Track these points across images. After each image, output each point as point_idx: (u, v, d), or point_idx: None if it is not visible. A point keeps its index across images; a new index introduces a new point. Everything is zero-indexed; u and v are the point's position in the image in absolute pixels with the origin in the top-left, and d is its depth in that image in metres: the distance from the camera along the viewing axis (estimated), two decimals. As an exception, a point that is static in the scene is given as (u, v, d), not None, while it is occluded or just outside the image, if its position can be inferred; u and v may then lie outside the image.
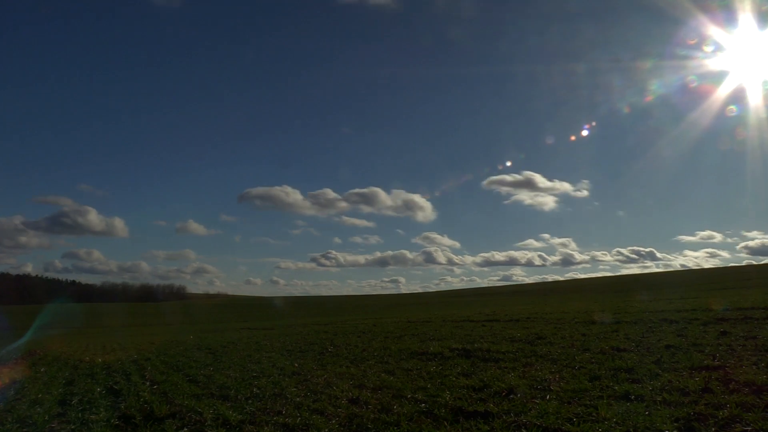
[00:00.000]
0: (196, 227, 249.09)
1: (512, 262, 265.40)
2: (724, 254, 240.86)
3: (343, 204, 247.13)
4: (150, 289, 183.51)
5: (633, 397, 6.75)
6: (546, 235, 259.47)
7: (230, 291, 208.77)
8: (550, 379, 8.24)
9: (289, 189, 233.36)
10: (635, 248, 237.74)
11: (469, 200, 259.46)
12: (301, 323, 31.36)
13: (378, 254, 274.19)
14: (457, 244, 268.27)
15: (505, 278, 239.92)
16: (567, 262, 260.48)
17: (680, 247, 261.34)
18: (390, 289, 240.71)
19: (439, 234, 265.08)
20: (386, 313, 42.40)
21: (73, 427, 7.41)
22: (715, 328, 12.24)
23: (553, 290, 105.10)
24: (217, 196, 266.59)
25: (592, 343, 11.51)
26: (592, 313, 19.72)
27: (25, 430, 7.50)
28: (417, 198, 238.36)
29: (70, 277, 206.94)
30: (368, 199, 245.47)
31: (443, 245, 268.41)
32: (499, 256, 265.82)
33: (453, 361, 10.75)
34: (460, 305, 59.30)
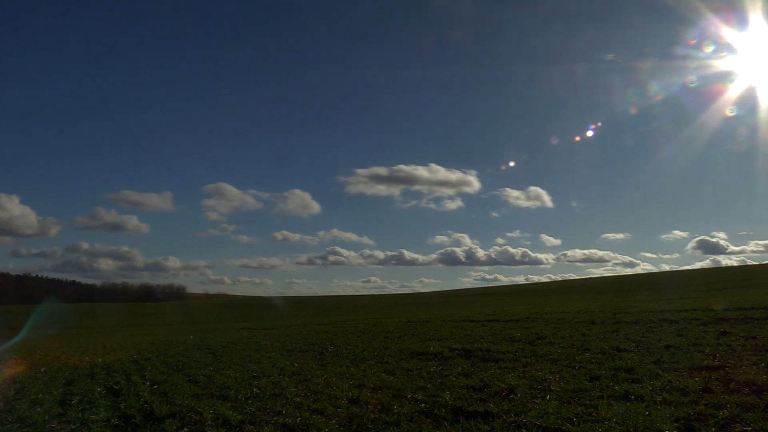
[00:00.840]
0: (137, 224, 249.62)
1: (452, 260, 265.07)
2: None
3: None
4: (150, 289, 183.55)
5: (633, 397, 6.75)
6: (450, 231, 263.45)
7: (228, 291, 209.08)
8: (550, 379, 8.24)
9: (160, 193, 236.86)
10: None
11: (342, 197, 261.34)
12: (301, 323, 31.36)
13: (313, 253, 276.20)
14: (370, 241, 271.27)
15: (480, 279, 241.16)
16: (513, 260, 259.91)
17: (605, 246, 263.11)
18: (372, 290, 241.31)
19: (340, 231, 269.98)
20: (386, 313, 42.40)
21: (73, 427, 7.40)
22: (715, 328, 12.24)
23: (553, 290, 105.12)
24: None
25: (592, 343, 11.51)
26: (592, 313, 19.72)
27: (25, 430, 7.50)
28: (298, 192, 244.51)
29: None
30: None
31: (357, 243, 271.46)
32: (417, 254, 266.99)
33: (453, 361, 10.75)
34: (460, 305, 59.30)
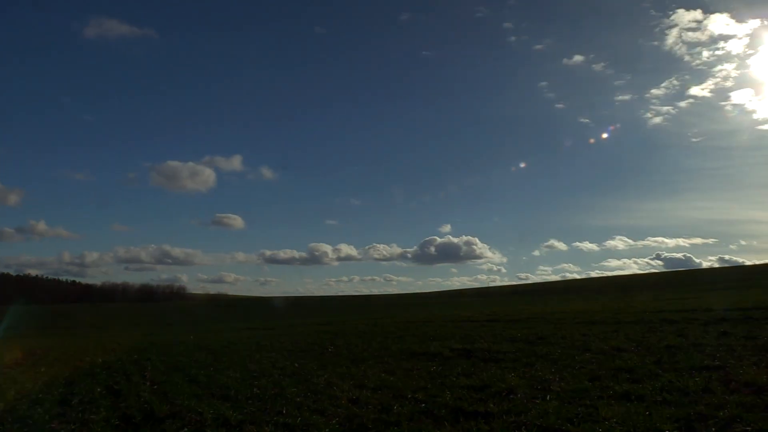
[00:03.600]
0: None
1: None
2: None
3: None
4: (150, 289, 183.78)
5: (633, 397, 6.75)
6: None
7: (228, 291, 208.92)
8: (550, 379, 8.24)
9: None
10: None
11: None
12: (301, 323, 31.36)
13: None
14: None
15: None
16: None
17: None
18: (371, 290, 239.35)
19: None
20: (386, 313, 42.37)
21: (73, 427, 7.40)
22: (716, 328, 12.24)
23: (553, 290, 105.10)
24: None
25: (592, 343, 11.51)
26: (593, 313, 19.72)
27: (25, 430, 7.50)
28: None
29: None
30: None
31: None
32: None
33: (453, 361, 10.75)
34: (460, 305, 59.28)
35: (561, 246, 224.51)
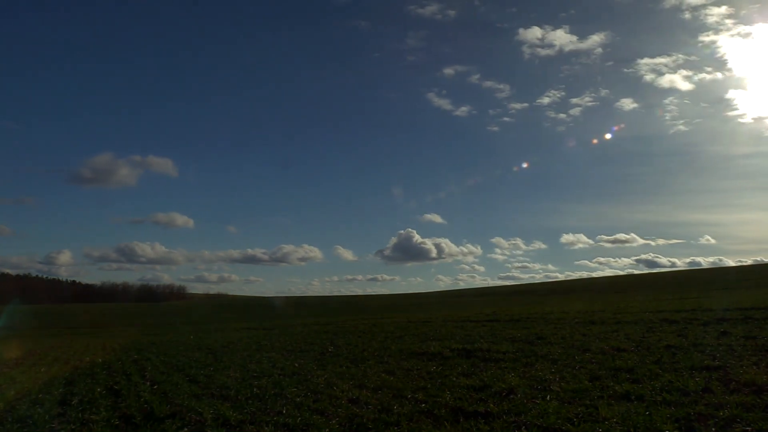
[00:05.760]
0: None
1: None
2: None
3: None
4: (150, 289, 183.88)
5: (633, 397, 6.75)
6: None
7: (230, 291, 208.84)
8: (550, 379, 8.24)
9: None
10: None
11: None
12: (301, 323, 31.34)
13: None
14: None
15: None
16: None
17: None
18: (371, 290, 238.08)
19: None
20: (386, 313, 42.38)
21: (73, 427, 7.40)
22: (715, 328, 12.25)
23: (553, 290, 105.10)
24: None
25: (592, 343, 11.51)
26: (593, 313, 19.72)
27: (25, 430, 7.50)
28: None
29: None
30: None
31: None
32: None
33: (453, 361, 10.75)
34: (460, 305, 59.29)
35: (521, 244, 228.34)
